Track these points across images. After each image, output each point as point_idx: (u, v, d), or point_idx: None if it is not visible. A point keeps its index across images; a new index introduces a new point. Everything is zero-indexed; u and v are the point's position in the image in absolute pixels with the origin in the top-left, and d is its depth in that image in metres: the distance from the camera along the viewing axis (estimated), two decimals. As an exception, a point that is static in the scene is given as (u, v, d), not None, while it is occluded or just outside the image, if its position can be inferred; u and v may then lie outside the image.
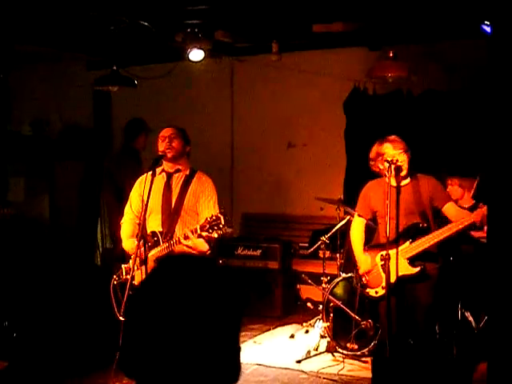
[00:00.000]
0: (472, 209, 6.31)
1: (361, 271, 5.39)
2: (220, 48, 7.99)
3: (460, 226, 5.09)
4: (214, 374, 1.42)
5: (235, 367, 1.47)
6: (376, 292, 5.33)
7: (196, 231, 4.59)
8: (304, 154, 8.83)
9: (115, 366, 4.83)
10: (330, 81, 8.29)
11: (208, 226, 4.50)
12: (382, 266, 5.28)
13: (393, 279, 5.13)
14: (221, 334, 1.43)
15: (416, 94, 7.96)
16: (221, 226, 4.47)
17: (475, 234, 6.19)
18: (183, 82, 8.95)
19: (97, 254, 9.88)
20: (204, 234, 4.56)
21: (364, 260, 5.37)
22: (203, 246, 4.77)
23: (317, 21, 7.18)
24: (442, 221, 5.37)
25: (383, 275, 5.25)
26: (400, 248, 4.96)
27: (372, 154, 5.22)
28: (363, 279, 5.39)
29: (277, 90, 8.90)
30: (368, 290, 5.39)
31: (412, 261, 5.12)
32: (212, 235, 4.53)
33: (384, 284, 5.24)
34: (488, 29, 5.62)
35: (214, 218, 4.50)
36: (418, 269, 5.12)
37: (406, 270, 5.09)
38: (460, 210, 5.29)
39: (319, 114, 8.64)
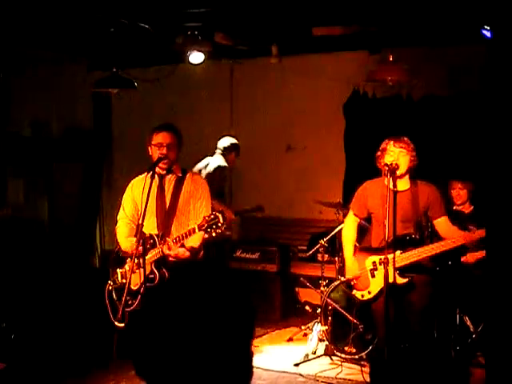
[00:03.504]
0: (471, 216, 6.32)
1: (347, 276, 5.37)
2: (220, 51, 7.99)
3: (452, 245, 5.05)
4: (226, 379, 1.42)
5: (247, 372, 1.46)
6: (362, 296, 5.28)
7: (194, 231, 4.60)
8: (303, 157, 8.83)
9: (112, 366, 4.83)
10: (330, 84, 8.29)
11: (206, 225, 4.50)
12: (371, 270, 5.25)
13: (379, 287, 5.10)
14: (234, 339, 1.42)
15: (416, 98, 7.96)
16: (219, 224, 4.48)
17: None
18: (183, 85, 8.95)
19: (95, 255, 9.88)
20: (202, 232, 4.60)
21: (351, 265, 5.31)
22: (185, 254, 4.79)
23: (317, 24, 7.18)
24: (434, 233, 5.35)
25: (371, 280, 5.23)
26: (390, 257, 4.90)
27: (378, 150, 5.18)
28: (350, 282, 5.36)
29: (276, 93, 8.90)
30: (354, 291, 5.35)
31: (401, 271, 5.06)
32: (211, 234, 4.53)
33: (371, 289, 5.23)
34: (488, 33, 5.63)
35: (212, 216, 4.50)
36: (406, 280, 5.07)
37: (395, 279, 5.03)
38: (451, 227, 5.20)
39: (318, 117, 8.64)
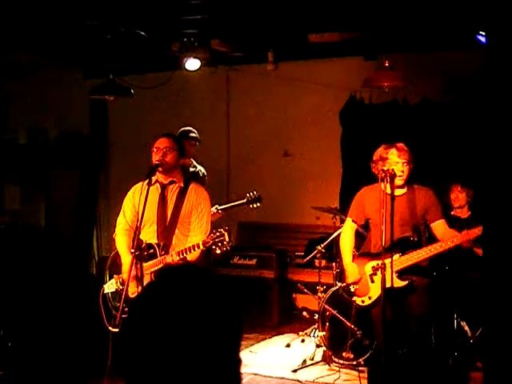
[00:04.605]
0: (468, 221, 6.34)
1: (349, 281, 5.36)
2: (216, 57, 8.01)
3: (450, 245, 5.07)
4: None
5: (236, 379, 1.46)
6: (362, 301, 5.30)
7: (198, 247, 4.60)
8: (300, 163, 8.84)
9: (107, 374, 4.83)
10: (326, 90, 8.31)
11: (211, 242, 4.51)
12: (370, 275, 5.26)
13: (379, 292, 5.09)
14: (221, 345, 1.42)
15: (412, 103, 7.99)
16: (225, 242, 4.48)
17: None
18: (179, 91, 8.97)
19: (92, 262, 9.87)
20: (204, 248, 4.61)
21: (352, 270, 5.33)
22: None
23: (312, 30, 7.20)
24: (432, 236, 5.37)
25: (371, 285, 5.24)
26: (387, 261, 4.93)
27: (376, 157, 5.17)
28: (351, 288, 5.37)
29: (272, 99, 8.91)
30: (355, 298, 5.36)
31: (400, 274, 5.09)
32: (215, 251, 4.54)
33: (371, 294, 5.24)
34: (483, 39, 5.65)
35: (217, 234, 4.50)
36: (405, 282, 5.08)
37: (394, 282, 5.04)
38: (448, 230, 5.23)
39: (315, 123, 8.65)
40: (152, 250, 4.88)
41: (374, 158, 5.19)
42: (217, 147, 9.21)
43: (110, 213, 9.49)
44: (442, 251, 5.10)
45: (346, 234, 5.48)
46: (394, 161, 5.08)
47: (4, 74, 8.37)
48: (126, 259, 4.98)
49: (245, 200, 6.19)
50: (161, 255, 4.83)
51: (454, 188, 6.57)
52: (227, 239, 4.48)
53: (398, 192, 5.18)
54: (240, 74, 8.94)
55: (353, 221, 5.44)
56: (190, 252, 4.67)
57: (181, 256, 4.70)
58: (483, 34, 5.59)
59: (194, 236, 4.90)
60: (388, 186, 5.08)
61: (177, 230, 4.97)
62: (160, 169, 4.93)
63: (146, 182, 4.81)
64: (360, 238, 5.72)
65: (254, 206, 6.18)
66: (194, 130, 6.89)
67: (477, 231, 4.95)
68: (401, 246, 5.10)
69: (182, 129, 6.85)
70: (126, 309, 4.84)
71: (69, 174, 9.66)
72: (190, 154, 6.80)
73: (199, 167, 6.92)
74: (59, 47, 7.99)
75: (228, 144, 9.35)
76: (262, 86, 8.87)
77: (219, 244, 4.49)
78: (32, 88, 8.80)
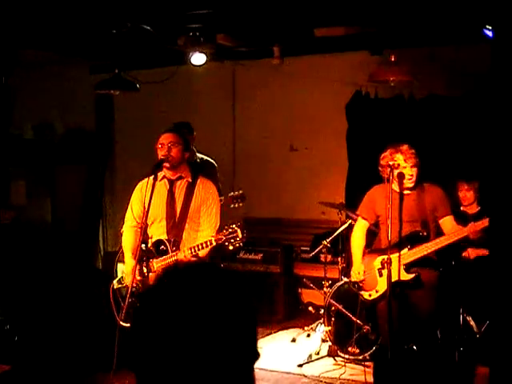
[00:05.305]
0: (477, 216, 6.34)
1: (352, 279, 5.43)
2: (222, 52, 7.99)
3: (457, 237, 5.15)
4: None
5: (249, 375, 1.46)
6: (370, 295, 5.35)
7: (211, 243, 4.60)
8: (306, 158, 8.83)
9: (114, 368, 4.84)
10: (332, 85, 8.29)
11: (224, 238, 4.50)
12: (379, 269, 5.30)
13: (386, 286, 5.11)
14: (235, 341, 1.42)
15: (418, 98, 7.96)
16: (238, 239, 4.47)
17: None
18: (185, 86, 8.96)
19: (98, 257, 9.89)
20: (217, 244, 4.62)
21: (357, 268, 5.38)
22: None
23: (318, 25, 7.18)
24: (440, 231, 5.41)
25: (379, 279, 5.28)
26: (395, 256, 5.01)
27: (383, 162, 5.24)
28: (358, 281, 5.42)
29: (278, 94, 8.91)
30: (362, 292, 5.42)
31: (408, 267, 5.14)
32: (228, 248, 4.54)
33: (378, 288, 5.29)
34: (490, 33, 5.63)
35: (230, 230, 4.49)
36: (412, 275, 5.15)
37: (401, 275, 5.11)
38: (456, 225, 5.30)
39: (321, 118, 8.65)
40: (163, 246, 4.88)
41: (382, 163, 5.25)
42: (222, 142, 9.21)
43: (115, 208, 9.50)
44: (449, 243, 5.17)
45: (358, 234, 5.54)
46: (402, 166, 5.15)
47: (10, 69, 8.37)
48: (129, 261, 4.98)
49: (224, 197, 5.97)
50: (172, 251, 4.84)
51: (461, 187, 6.56)
52: (240, 235, 4.47)
53: (406, 190, 5.25)
54: (246, 68, 8.93)
55: (363, 218, 5.51)
56: (203, 248, 4.68)
57: (193, 252, 4.69)
58: (490, 28, 5.57)
59: (203, 230, 4.91)
60: (395, 184, 5.18)
61: (187, 225, 4.98)
62: (167, 164, 4.93)
63: (152, 177, 4.82)
64: (372, 235, 5.75)
65: (236, 205, 5.98)
66: (185, 122, 6.80)
67: (483, 223, 5.01)
68: (410, 240, 5.18)
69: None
70: (137, 304, 4.87)
71: (75, 170, 9.67)
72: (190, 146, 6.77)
73: (206, 157, 6.92)
74: (65, 42, 7.99)
75: (234, 139, 9.34)
76: (267, 80, 8.86)
77: (231, 240, 4.49)
78: (38, 83, 8.80)
